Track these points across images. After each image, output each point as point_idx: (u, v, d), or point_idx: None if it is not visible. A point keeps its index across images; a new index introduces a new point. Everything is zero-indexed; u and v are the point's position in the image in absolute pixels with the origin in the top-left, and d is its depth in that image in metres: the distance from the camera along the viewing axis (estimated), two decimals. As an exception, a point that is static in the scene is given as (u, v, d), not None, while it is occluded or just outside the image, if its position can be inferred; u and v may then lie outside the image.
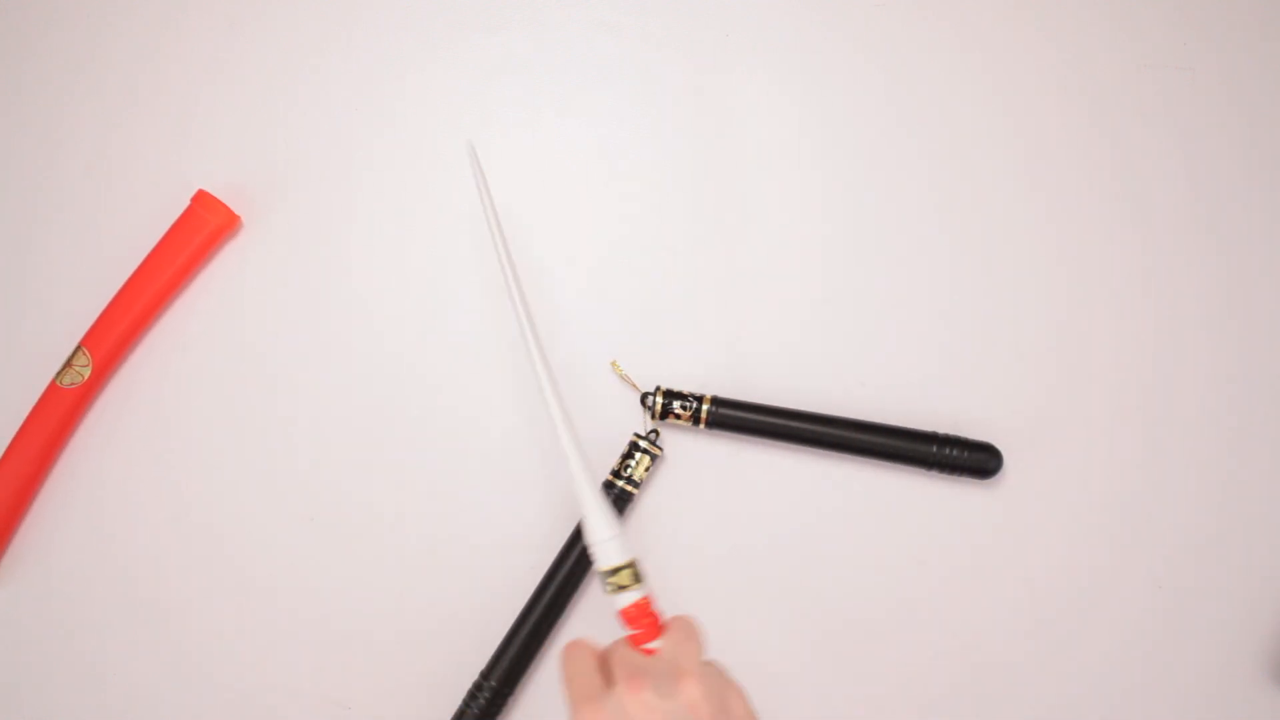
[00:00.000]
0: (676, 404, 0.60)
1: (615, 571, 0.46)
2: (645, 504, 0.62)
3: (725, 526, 0.62)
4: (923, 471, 0.61)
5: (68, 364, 0.61)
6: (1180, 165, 0.64)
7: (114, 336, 0.60)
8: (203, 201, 0.62)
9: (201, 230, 0.62)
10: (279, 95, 0.65)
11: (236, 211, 0.63)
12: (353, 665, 0.61)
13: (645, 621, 0.46)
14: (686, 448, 0.62)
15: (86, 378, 0.61)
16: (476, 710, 0.58)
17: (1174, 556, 0.62)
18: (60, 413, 0.61)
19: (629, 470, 0.60)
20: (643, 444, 0.60)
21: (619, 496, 0.60)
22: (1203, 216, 0.64)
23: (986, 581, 0.62)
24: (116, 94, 0.65)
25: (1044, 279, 0.63)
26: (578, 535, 0.59)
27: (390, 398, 0.63)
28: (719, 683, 0.43)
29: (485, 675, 0.59)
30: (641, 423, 0.62)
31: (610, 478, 0.60)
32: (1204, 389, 0.63)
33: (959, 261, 0.64)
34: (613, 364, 0.62)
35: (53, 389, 0.61)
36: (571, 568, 0.59)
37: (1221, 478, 0.62)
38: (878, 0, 0.65)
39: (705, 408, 0.60)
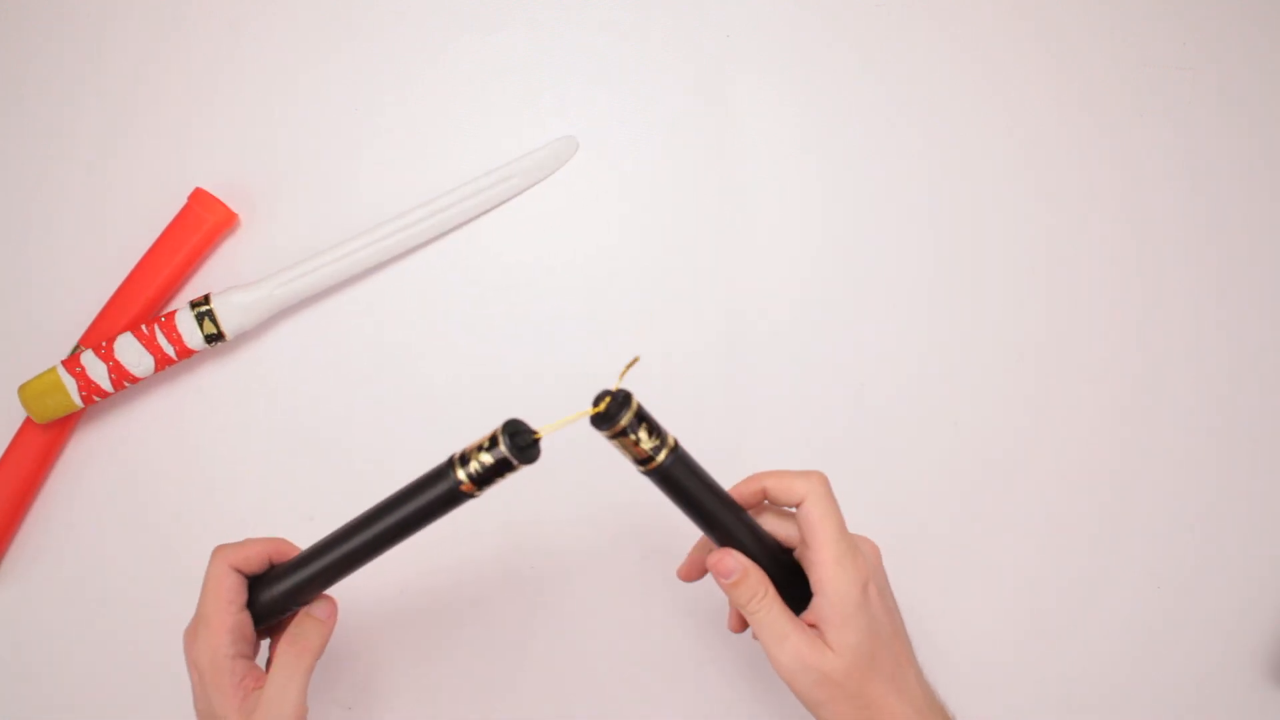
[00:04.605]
0: (642, 430, 0.43)
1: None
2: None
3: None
4: None
5: (66, 363, 0.61)
6: (1180, 165, 0.64)
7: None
8: (200, 199, 0.62)
9: (199, 228, 0.61)
10: (278, 94, 0.65)
11: (234, 210, 0.63)
12: (354, 666, 0.61)
13: None
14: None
15: (84, 377, 0.61)
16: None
17: (1173, 556, 0.62)
18: (58, 412, 0.61)
19: (477, 461, 0.43)
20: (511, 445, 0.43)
21: (449, 495, 0.44)
22: (1202, 216, 0.64)
23: (986, 578, 0.61)
24: (115, 92, 0.65)
25: (1043, 277, 0.63)
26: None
27: (390, 397, 0.63)
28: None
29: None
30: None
31: (454, 457, 0.44)
32: (1204, 387, 0.63)
33: (956, 259, 0.64)
34: (634, 360, 0.45)
35: (51, 388, 0.61)
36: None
37: (1222, 476, 0.62)
38: (878, 0, 0.65)
39: (664, 455, 0.44)
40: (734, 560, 0.46)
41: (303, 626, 0.48)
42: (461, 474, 0.43)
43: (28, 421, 0.60)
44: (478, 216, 0.63)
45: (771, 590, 0.46)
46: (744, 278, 0.63)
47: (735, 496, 0.47)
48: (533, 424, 0.44)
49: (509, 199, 0.63)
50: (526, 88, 0.65)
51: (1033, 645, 0.61)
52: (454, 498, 0.44)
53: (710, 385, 0.62)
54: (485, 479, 0.43)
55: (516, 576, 0.62)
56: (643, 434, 0.43)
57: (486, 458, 0.43)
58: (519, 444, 0.43)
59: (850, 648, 0.44)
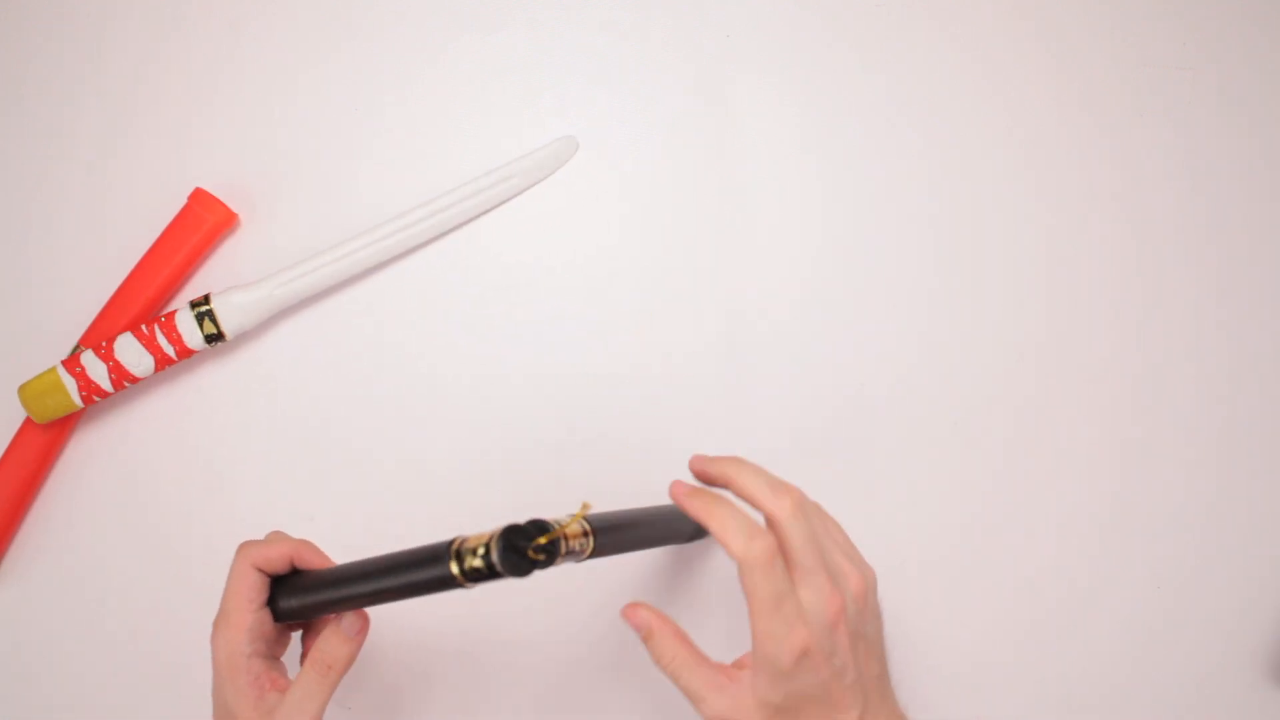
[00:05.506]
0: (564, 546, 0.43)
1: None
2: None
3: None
4: None
5: (66, 363, 0.61)
6: (1180, 165, 0.64)
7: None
8: (200, 199, 0.62)
9: (199, 228, 0.61)
10: (278, 94, 0.65)
11: (234, 210, 0.63)
12: (354, 666, 0.61)
13: None
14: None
15: (84, 377, 0.61)
16: None
17: (1173, 556, 0.62)
18: (58, 412, 0.61)
19: (470, 561, 0.41)
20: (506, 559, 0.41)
21: (442, 580, 0.42)
22: (1202, 216, 0.64)
23: (986, 578, 0.61)
24: (115, 92, 0.65)
25: (1043, 277, 0.63)
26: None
27: (390, 397, 0.63)
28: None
29: None
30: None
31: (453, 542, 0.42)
32: (1203, 387, 0.63)
33: (956, 259, 0.63)
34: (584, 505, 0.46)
35: (50, 388, 0.61)
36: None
37: (1222, 476, 0.62)
38: (878, 0, 0.65)
39: (591, 542, 0.45)
40: (640, 617, 0.46)
41: (330, 643, 0.48)
42: (455, 568, 0.42)
43: (28, 421, 0.61)
44: (478, 216, 0.63)
45: (681, 651, 0.46)
46: (744, 278, 0.63)
47: (707, 473, 0.48)
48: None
49: (509, 199, 0.64)
50: (526, 88, 0.65)
51: (1033, 645, 0.61)
52: (447, 582, 0.42)
53: (710, 385, 0.62)
54: (476, 579, 0.42)
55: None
56: (570, 544, 0.43)
57: (478, 561, 0.41)
58: (511, 560, 0.41)
59: (772, 705, 0.44)
